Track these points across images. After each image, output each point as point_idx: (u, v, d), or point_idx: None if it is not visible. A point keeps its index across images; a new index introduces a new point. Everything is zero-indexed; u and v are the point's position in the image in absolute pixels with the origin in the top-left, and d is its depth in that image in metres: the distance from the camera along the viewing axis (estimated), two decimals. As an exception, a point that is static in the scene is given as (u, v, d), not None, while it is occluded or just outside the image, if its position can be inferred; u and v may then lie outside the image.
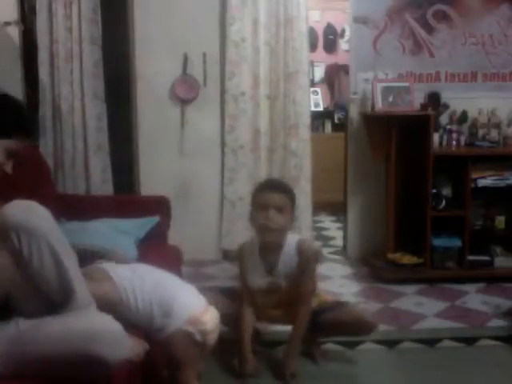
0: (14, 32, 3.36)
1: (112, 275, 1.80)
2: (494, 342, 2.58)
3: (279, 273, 2.29)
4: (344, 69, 4.91)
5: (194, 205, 3.73)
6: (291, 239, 2.32)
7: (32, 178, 2.40)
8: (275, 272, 2.30)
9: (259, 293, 2.32)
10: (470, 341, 2.59)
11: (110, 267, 1.85)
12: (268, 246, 2.30)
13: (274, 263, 2.30)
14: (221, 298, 2.33)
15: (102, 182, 3.55)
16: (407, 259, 3.46)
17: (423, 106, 3.53)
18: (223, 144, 3.74)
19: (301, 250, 2.29)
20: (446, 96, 3.65)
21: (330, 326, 2.35)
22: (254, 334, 2.34)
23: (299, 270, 2.27)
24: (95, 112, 3.51)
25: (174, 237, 2.76)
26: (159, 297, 1.79)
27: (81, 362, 1.41)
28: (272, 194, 2.24)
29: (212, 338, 1.81)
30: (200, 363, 1.86)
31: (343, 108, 4.85)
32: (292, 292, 2.29)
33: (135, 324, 1.74)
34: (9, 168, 1.74)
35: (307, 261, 2.28)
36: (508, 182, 3.43)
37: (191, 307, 1.80)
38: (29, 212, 1.51)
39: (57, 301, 1.53)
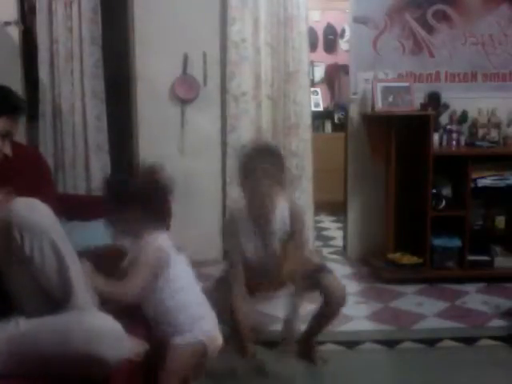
0: (14, 32, 3.36)
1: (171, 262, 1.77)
2: (493, 342, 2.58)
3: (273, 238, 2.26)
4: (344, 69, 4.90)
5: (194, 204, 3.72)
6: (282, 202, 2.29)
7: (32, 178, 2.40)
8: (268, 237, 2.27)
9: (253, 261, 2.28)
10: (470, 341, 2.60)
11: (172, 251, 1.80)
12: (260, 212, 2.25)
13: (266, 228, 2.27)
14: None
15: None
16: (407, 259, 3.46)
17: (423, 106, 3.53)
18: (224, 144, 3.74)
19: (293, 213, 2.28)
20: (446, 96, 3.65)
21: (308, 283, 2.32)
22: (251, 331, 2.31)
23: (291, 232, 2.27)
24: (95, 112, 3.52)
25: (174, 237, 2.75)
26: (193, 300, 1.78)
27: (81, 362, 1.41)
28: (259, 159, 2.20)
29: (215, 354, 1.82)
30: (200, 372, 1.87)
31: (343, 108, 4.86)
32: (285, 258, 2.27)
33: (158, 315, 1.74)
34: (8, 149, 1.75)
35: (300, 221, 2.30)
36: (508, 181, 3.43)
37: (212, 320, 1.80)
38: (31, 209, 1.51)
39: (57, 299, 1.53)
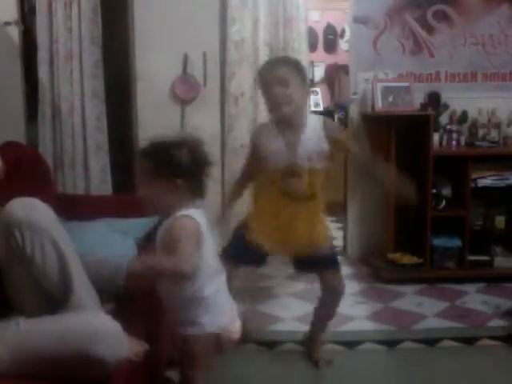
0: (14, 32, 3.36)
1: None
2: (493, 342, 2.58)
3: (302, 154, 2.17)
4: (344, 69, 4.90)
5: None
6: (314, 119, 2.24)
7: (32, 178, 2.40)
8: (297, 152, 2.17)
9: (279, 175, 2.18)
10: (470, 341, 2.59)
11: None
12: (286, 124, 2.17)
13: (295, 143, 2.17)
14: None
15: (101, 182, 3.55)
16: (407, 259, 3.46)
17: (423, 106, 3.53)
18: (223, 144, 3.74)
19: (326, 127, 2.19)
20: (446, 96, 3.65)
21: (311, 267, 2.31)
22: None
23: (326, 150, 2.17)
24: (95, 112, 3.51)
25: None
26: (218, 287, 1.71)
27: (80, 362, 1.41)
28: (275, 69, 2.15)
29: (231, 347, 1.77)
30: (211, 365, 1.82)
31: (343, 108, 4.85)
32: (313, 180, 2.19)
33: (182, 299, 1.68)
34: (1, 173, 1.73)
35: (335, 134, 2.21)
36: (508, 181, 3.43)
37: (230, 312, 1.75)
38: (31, 208, 1.52)
39: (57, 298, 1.53)
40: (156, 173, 1.65)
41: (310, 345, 2.44)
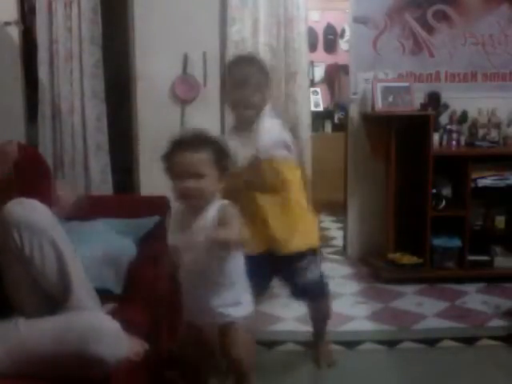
0: (14, 32, 3.36)
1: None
2: (494, 342, 2.58)
3: (261, 145, 2.10)
4: (344, 69, 4.90)
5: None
6: (269, 120, 2.17)
7: (32, 178, 2.40)
8: (256, 144, 2.11)
9: (243, 171, 2.10)
10: (470, 341, 2.59)
11: None
12: (242, 120, 2.16)
13: (253, 137, 2.12)
14: None
15: (101, 182, 3.55)
16: (407, 259, 3.46)
17: (423, 106, 3.53)
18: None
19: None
20: (446, 96, 3.65)
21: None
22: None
23: (286, 140, 2.15)
24: (95, 112, 3.51)
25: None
26: (241, 282, 1.75)
27: (79, 362, 1.41)
28: (240, 69, 2.10)
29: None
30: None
31: (343, 108, 4.85)
32: (277, 170, 2.12)
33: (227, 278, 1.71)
34: None
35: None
36: (508, 181, 3.43)
37: (252, 303, 1.78)
38: (30, 209, 1.52)
39: (56, 298, 1.53)
40: (215, 162, 1.68)
41: (315, 347, 2.44)
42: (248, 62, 2.18)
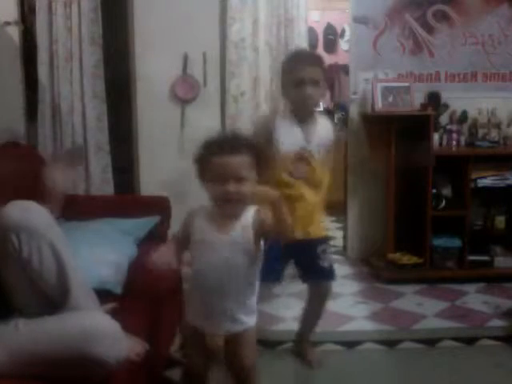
0: (14, 32, 3.36)
1: None
2: (493, 342, 2.58)
3: (314, 141, 2.22)
4: (344, 69, 4.90)
5: (194, 205, 3.71)
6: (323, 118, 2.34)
7: (32, 178, 2.40)
8: (310, 140, 2.22)
9: (290, 159, 2.18)
10: (470, 341, 2.60)
11: None
12: (303, 116, 2.23)
13: (308, 132, 2.23)
14: None
15: (102, 182, 3.55)
16: (407, 259, 3.46)
17: (423, 106, 3.53)
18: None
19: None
20: (446, 96, 3.65)
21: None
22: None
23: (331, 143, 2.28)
24: (95, 112, 3.51)
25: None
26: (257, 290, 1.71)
27: (79, 362, 1.41)
28: (309, 67, 2.17)
29: None
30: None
31: (343, 108, 4.85)
32: (321, 171, 2.23)
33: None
34: None
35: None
36: (508, 181, 3.43)
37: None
38: (28, 212, 1.51)
39: (55, 300, 1.53)
40: (255, 166, 1.64)
41: (300, 345, 2.45)
42: (311, 58, 2.30)
